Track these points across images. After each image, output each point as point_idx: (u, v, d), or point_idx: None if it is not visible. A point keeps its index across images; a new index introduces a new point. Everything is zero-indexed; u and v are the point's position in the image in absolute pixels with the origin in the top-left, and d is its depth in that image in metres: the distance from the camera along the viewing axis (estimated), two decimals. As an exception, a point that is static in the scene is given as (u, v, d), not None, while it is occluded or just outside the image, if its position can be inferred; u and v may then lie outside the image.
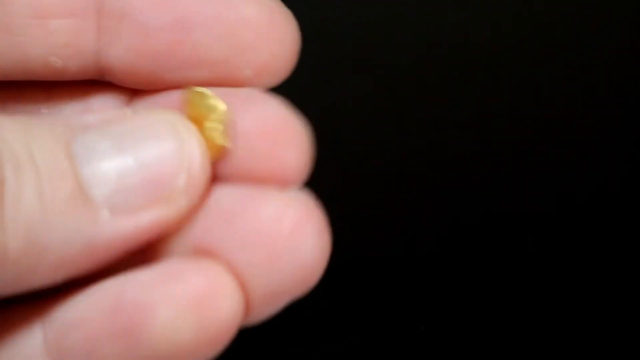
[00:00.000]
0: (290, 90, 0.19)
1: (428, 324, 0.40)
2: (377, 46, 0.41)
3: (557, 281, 0.41)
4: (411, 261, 0.41)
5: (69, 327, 0.17)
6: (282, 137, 0.17)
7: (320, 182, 0.19)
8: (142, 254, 0.17)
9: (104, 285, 0.17)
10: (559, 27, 0.41)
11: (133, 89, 0.19)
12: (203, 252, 0.17)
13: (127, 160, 0.17)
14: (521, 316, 0.40)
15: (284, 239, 0.17)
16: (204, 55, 0.18)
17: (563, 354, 0.40)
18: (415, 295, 0.41)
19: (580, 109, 0.41)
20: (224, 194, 0.17)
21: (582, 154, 0.41)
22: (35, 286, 0.17)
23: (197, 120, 0.18)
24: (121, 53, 0.18)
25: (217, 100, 0.17)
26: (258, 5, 0.18)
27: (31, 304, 0.18)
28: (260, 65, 0.18)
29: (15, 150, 0.16)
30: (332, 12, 0.41)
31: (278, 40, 0.18)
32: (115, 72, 0.19)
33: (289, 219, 0.17)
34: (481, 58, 0.41)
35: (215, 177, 0.18)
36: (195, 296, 0.16)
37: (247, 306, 0.17)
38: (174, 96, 0.18)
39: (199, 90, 0.17)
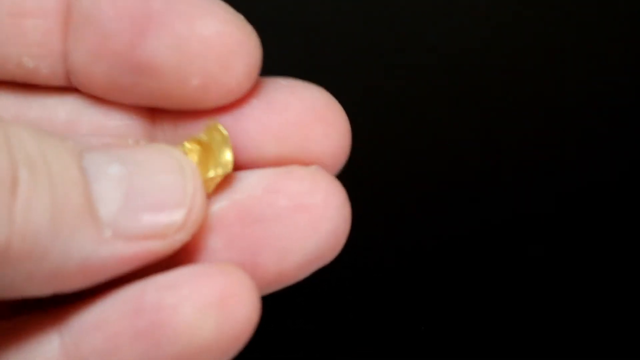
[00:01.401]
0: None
1: (428, 324, 0.41)
2: (376, 47, 0.41)
3: (557, 281, 0.41)
4: (411, 261, 0.41)
5: (88, 331, 0.17)
6: (324, 122, 0.18)
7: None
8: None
9: (122, 290, 0.17)
10: (557, 27, 0.41)
11: (150, 116, 0.20)
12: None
13: (134, 185, 0.17)
14: (521, 316, 0.40)
15: (319, 209, 0.17)
16: (154, 60, 0.18)
17: (563, 354, 0.40)
18: (415, 295, 0.41)
19: (582, 109, 0.41)
20: (254, 176, 0.18)
21: (584, 154, 0.41)
22: (25, 294, 0.17)
23: (204, 159, 0.18)
24: (83, 55, 0.19)
25: (229, 150, 0.18)
26: (214, 19, 0.18)
27: (45, 311, 0.18)
28: (207, 76, 0.18)
29: (31, 154, 0.16)
30: (330, 11, 0.41)
31: (229, 54, 0.18)
32: (78, 75, 0.19)
33: (321, 190, 0.18)
34: (481, 61, 0.42)
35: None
36: (216, 296, 0.17)
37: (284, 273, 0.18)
38: (195, 128, 0.19)
39: (222, 130, 0.18)
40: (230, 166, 0.18)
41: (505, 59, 0.41)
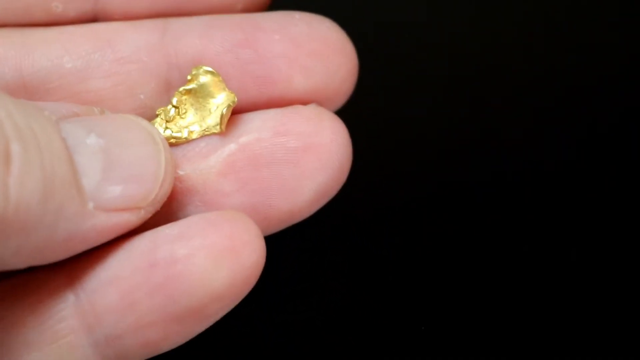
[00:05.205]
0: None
1: (428, 324, 0.40)
2: (375, 40, 0.41)
3: (558, 282, 0.41)
4: (411, 260, 0.41)
5: (104, 287, 0.17)
6: (341, 53, 0.19)
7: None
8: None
9: (132, 242, 0.17)
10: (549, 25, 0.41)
11: None
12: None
13: (111, 157, 0.17)
14: (522, 316, 0.40)
15: (327, 147, 0.18)
16: None
17: (563, 354, 0.40)
18: (415, 295, 0.41)
19: (582, 108, 0.41)
20: (259, 118, 0.18)
21: (585, 153, 0.41)
22: (8, 268, 0.17)
23: (200, 105, 0.18)
24: None
25: (224, 84, 0.18)
26: None
27: (55, 267, 0.18)
28: None
29: (20, 127, 0.16)
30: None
31: None
32: (113, 11, 0.19)
33: (326, 128, 0.18)
34: (480, 56, 0.42)
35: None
36: (227, 244, 0.17)
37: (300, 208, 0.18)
38: None
39: (210, 70, 0.18)
40: (234, 97, 0.18)
41: (501, 56, 0.42)
